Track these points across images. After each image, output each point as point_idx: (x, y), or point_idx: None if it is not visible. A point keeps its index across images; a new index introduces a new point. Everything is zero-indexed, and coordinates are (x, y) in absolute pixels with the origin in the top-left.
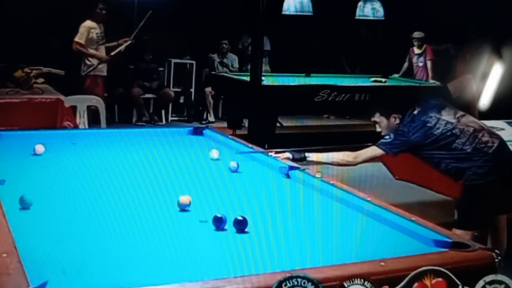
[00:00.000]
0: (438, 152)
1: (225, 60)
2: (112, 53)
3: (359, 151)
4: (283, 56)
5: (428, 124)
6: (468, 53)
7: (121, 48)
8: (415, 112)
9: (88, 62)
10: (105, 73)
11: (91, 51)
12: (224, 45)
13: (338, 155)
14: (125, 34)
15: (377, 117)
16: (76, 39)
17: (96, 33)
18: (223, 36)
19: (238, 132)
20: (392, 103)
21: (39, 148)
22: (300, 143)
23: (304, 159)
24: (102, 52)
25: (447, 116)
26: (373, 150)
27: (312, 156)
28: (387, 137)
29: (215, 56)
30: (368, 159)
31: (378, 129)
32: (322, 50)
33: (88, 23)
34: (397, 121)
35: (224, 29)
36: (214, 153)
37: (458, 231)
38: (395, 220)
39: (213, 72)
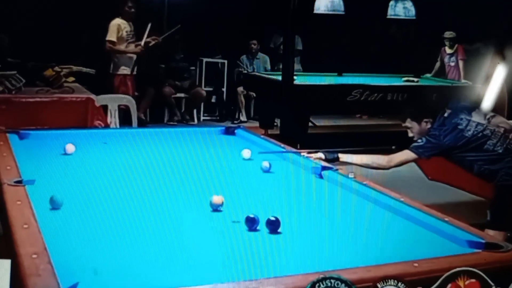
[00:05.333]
0: (470, 154)
1: (255, 62)
2: (143, 41)
3: (392, 155)
4: (315, 55)
5: (459, 127)
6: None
7: (148, 38)
8: (446, 114)
9: (116, 60)
10: (129, 72)
11: (123, 47)
12: (253, 45)
13: (371, 158)
14: (154, 33)
15: (408, 123)
16: (108, 38)
17: (126, 31)
18: (252, 36)
19: (270, 132)
20: (423, 108)
21: (70, 148)
22: (333, 143)
23: (337, 159)
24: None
25: (477, 117)
26: (406, 154)
27: (345, 157)
28: (419, 140)
29: (243, 58)
30: (402, 163)
31: (410, 135)
32: (352, 49)
33: (118, 20)
34: (429, 125)
35: (255, 28)
36: (246, 153)
37: (491, 232)
38: (428, 220)
39: (245, 71)
